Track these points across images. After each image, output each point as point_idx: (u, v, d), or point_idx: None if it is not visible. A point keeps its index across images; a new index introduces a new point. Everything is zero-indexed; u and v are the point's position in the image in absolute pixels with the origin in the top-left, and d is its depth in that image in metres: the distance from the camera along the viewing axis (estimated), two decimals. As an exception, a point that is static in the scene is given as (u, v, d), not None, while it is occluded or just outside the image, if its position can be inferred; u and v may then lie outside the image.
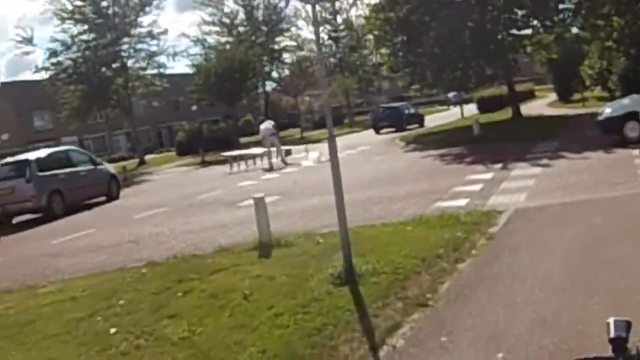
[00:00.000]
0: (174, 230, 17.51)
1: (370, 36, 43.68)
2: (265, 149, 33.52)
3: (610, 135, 22.57)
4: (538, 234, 10.93)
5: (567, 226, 11.21)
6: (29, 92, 67.16)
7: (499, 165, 21.04)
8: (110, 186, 29.81)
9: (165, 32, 60.20)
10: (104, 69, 54.00)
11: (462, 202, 15.41)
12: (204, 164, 47.20)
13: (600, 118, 23.19)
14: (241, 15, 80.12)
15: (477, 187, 17.37)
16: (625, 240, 9.50)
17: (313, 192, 20.60)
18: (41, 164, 25.62)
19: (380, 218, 14.44)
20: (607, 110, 23.07)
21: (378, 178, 22.46)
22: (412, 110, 57.23)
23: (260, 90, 79.42)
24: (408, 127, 51.29)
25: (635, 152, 19.55)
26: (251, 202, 17.24)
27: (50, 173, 25.49)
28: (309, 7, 71.90)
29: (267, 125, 34.04)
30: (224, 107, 67.29)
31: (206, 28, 78.90)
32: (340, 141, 45.10)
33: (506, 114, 44.18)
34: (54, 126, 70.82)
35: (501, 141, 29.22)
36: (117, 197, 29.90)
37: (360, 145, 40.15)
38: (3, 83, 76.32)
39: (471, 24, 36.90)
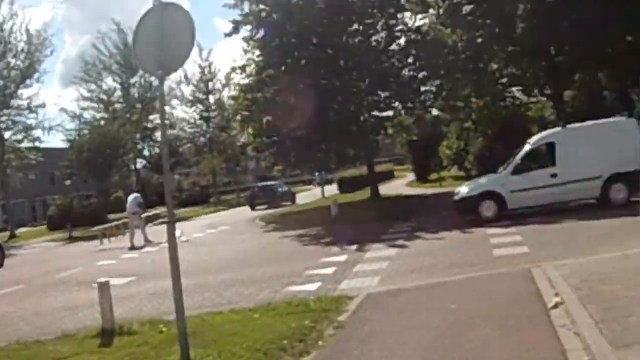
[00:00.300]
0: (25, 311, 16.23)
1: (238, 116, 42.85)
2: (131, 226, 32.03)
3: (466, 214, 22.75)
4: (390, 322, 10.21)
5: (421, 312, 10.57)
6: None
7: (354, 247, 20.56)
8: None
9: (43, 105, 59.92)
10: None
11: (313, 286, 14.71)
12: (71, 239, 45.88)
13: (456, 198, 23.39)
14: (118, 92, 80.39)
15: (330, 270, 16.68)
16: (481, 327, 9.01)
17: (168, 274, 19.28)
18: None
19: (231, 303, 13.69)
20: (463, 190, 23.31)
21: (235, 259, 21.63)
22: (286, 188, 58.89)
23: (132, 167, 79.38)
24: (282, 203, 52.73)
25: (491, 231, 19.59)
26: (113, 282, 16.97)
27: None
28: (183, 87, 76.38)
29: (131, 200, 32.31)
30: (98, 183, 66.87)
31: (84, 104, 78.70)
32: (204, 220, 44.45)
33: (365, 194, 44.29)
34: None
35: (359, 222, 29.01)
36: (1, 265, 29.55)
37: (222, 225, 39.39)
38: None
39: (335, 105, 36.78)
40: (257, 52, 37.98)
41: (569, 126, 23.11)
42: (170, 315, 12.01)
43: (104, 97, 78.13)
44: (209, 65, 77.76)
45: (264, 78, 37.01)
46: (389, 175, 73.56)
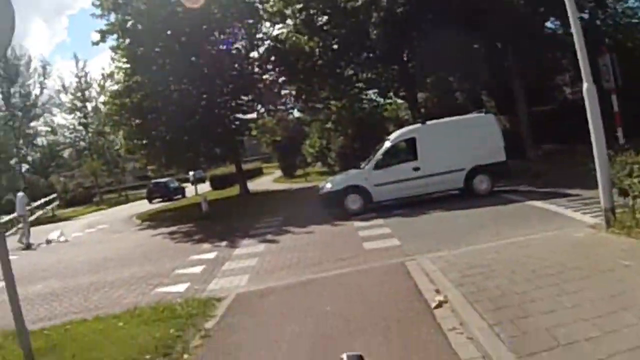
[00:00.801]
0: None
1: (110, 122, 40.67)
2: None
3: (332, 208, 21.16)
4: (260, 331, 8.34)
5: (293, 317, 8.74)
6: None
7: (224, 243, 18.58)
8: None
9: None
10: None
11: (182, 287, 12.77)
12: None
13: (321, 192, 21.80)
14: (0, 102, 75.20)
15: (199, 269, 14.65)
16: (361, 334, 7.37)
17: (45, 275, 17.45)
18: None
19: (98, 309, 11.74)
20: (328, 185, 21.74)
21: (108, 259, 19.18)
22: (177, 184, 58.83)
23: (18, 171, 74.84)
24: (174, 197, 53.67)
25: (358, 224, 18.09)
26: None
27: None
28: (62, 96, 74.89)
29: (19, 200, 29.54)
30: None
31: None
32: (85, 219, 40.79)
33: (236, 190, 42.38)
34: None
35: (229, 217, 27.03)
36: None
37: (101, 224, 36.26)
38: None
39: (201, 109, 35.32)
40: (124, 60, 35.92)
41: (428, 122, 22.03)
42: (37, 324, 10.67)
43: None
44: (85, 75, 75.22)
45: (132, 84, 35.11)
46: (258, 172, 72.87)
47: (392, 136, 22.75)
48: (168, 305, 10.40)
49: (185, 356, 7.58)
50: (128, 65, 35.55)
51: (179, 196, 55.41)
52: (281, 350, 7.21)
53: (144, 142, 37.39)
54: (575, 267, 8.76)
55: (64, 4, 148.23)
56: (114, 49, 36.45)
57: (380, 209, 20.26)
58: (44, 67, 79.01)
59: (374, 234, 15.89)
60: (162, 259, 17.52)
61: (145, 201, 56.11)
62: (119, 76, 36.76)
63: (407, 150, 21.83)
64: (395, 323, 7.62)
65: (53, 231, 30.72)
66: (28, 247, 27.22)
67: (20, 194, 29.97)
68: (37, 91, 76.46)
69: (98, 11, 34.27)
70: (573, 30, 11.54)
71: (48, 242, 28.32)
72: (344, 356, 2.37)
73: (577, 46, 11.50)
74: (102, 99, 45.79)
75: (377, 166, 20.85)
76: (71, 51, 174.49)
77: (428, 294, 8.82)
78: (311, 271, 12.35)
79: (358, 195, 20.56)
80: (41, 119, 78.66)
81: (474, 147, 20.42)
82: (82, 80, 75.29)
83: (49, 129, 79.20)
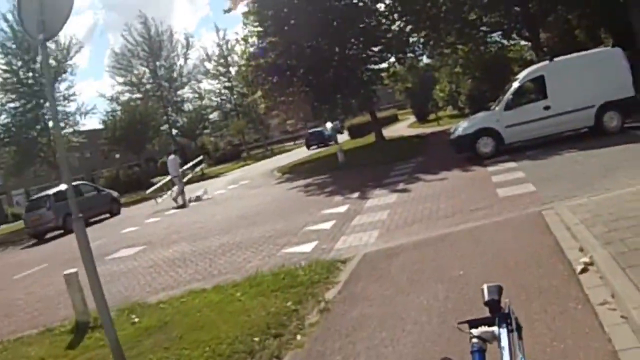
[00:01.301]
0: (33, 296, 13.51)
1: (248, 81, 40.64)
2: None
3: (464, 152, 19.58)
4: (384, 302, 7.02)
5: (422, 284, 7.40)
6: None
7: (356, 195, 17.29)
8: (112, 205, 34.20)
9: (74, 94, 57.65)
10: (30, 131, 50.95)
11: (309, 246, 11.60)
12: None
13: (452, 137, 20.18)
14: (147, 75, 78.09)
15: (329, 225, 13.43)
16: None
17: (178, 239, 16.80)
18: (57, 196, 29.25)
19: (221, 274, 10.91)
20: (459, 129, 19.98)
21: (241, 217, 18.34)
22: (331, 132, 56.33)
23: (170, 135, 77.50)
24: (329, 143, 53.36)
25: (491, 168, 16.39)
26: (122, 253, 16.46)
27: (64, 202, 26.64)
28: (207, 64, 77.69)
29: (170, 162, 29.40)
30: (146, 152, 66.51)
31: (119, 88, 76.90)
32: (231, 175, 41.09)
33: (372, 138, 41.08)
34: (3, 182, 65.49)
35: (363, 166, 25.70)
36: (119, 212, 33.74)
37: (243, 179, 35.96)
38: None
39: (334, 62, 34.40)
40: (256, 23, 35.53)
41: (556, 59, 19.48)
42: (155, 296, 10.05)
43: (136, 80, 76.18)
44: (226, 42, 76.85)
45: (266, 45, 34.70)
46: (393, 119, 71.73)
47: (521, 75, 20.44)
48: (290, 271, 9.35)
49: (299, 337, 6.46)
50: (260, 29, 35.10)
51: (332, 142, 53.90)
52: (405, 331, 5.92)
53: (282, 99, 36.86)
54: None
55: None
56: (245, 14, 36.05)
57: (512, 150, 18.43)
58: (186, 40, 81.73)
59: (508, 178, 14.09)
60: (294, 214, 16.42)
61: (286, 154, 56.46)
62: (253, 39, 36.61)
63: (537, 89, 19.77)
64: (537, 294, 6.11)
65: (199, 190, 30.74)
66: (182, 206, 27.21)
67: (171, 156, 29.82)
68: (181, 62, 78.50)
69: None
70: None
71: (197, 198, 28.25)
72: (484, 287, 2.38)
73: None
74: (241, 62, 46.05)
75: (508, 107, 18.89)
76: (213, 23, 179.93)
77: (571, 253, 7.22)
78: (443, 224, 10.90)
79: (490, 138, 18.80)
80: (187, 87, 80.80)
81: (602, 83, 18.08)
82: (224, 47, 77.27)
83: (196, 95, 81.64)
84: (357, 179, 21.19)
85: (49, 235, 29.51)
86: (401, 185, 17.13)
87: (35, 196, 34.84)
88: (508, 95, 19.16)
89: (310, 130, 62.37)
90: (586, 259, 6.81)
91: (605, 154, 14.70)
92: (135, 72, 76.84)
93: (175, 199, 28.05)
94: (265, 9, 33.35)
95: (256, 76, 36.32)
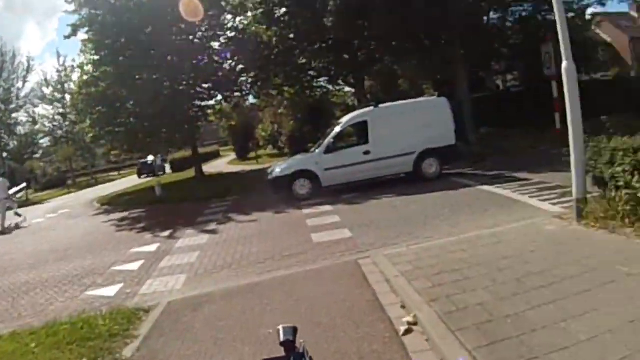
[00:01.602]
0: None
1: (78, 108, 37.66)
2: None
3: (281, 193, 18.52)
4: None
5: (228, 345, 6.24)
6: None
7: (168, 233, 15.81)
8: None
9: None
10: None
11: (113, 290, 10.16)
12: None
13: (270, 177, 19.02)
14: None
15: (137, 265, 11.93)
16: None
17: None
18: None
19: (21, 317, 9.32)
20: (277, 170, 18.96)
21: (51, 250, 16.14)
22: (160, 163, 57.97)
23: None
24: (158, 173, 52.44)
25: (307, 211, 15.58)
26: None
27: None
28: (45, 88, 71.58)
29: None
30: None
31: None
32: (53, 202, 37.13)
33: (192, 173, 39.33)
34: None
35: (180, 202, 24.13)
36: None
37: (63, 208, 32.61)
38: None
39: (163, 97, 32.36)
40: (93, 52, 32.87)
41: (381, 105, 19.20)
42: None
43: None
44: (65, 69, 70.85)
45: (99, 74, 32.23)
46: (215, 155, 70.46)
47: (344, 120, 19.98)
48: (89, 320, 7.93)
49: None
50: (97, 57, 32.56)
51: (162, 173, 53.91)
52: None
53: (108, 129, 34.36)
54: (568, 275, 6.47)
55: (55, 7, 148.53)
56: (84, 41, 33.30)
57: (329, 193, 17.68)
58: (28, 62, 74.99)
59: (323, 223, 13.25)
60: (105, 251, 14.59)
61: (109, 184, 54.40)
62: (88, 67, 33.76)
63: (359, 134, 19.48)
64: (357, 360, 5.17)
65: (18, 217, 27.54)
66: (2, 232, 24.01)
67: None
68: (20, 84, 71.94)
69: (71, 7, 31.29)
70: (555, 9, 9.21)
71: (16, 226, 25.11)
72: (280, 327, 2.44)
73: (558, 25, 9.18)
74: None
75: (328, 150, 18.18)
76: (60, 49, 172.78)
77: (393, 310, 6.47)
78: (254, 271, 9.82)
79: (307, 180, 17.99)
80: (22, 110, 73.83)
81: (425, 130, 18.05)
82: (62, 73, 71.83)
83: (30, 119, 74.93)
84: (172, 215, 19.72)
85: None
86: (214, 226, 15.78)
87: None
88: (329, 138, 18.53)
89: (142, 161, 60.25)
90: (410, 319, 6.02)
91: (425, 201, 14.43)
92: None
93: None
94: (104, 37, 31.19)
95: (87, 105, 33.77)
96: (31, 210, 33.93)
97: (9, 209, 25.77)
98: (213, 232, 14.84)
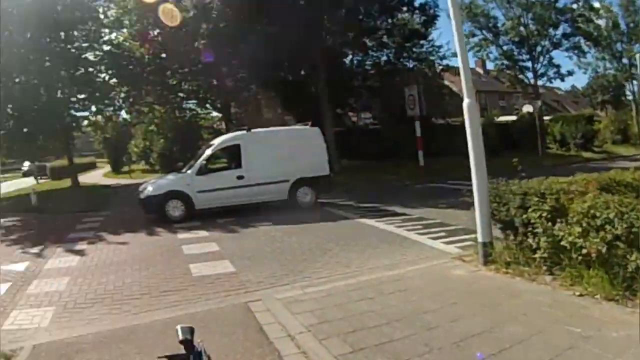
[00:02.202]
0: None
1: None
2: None
3: (153, 213, 15.98)
4: None
5: None
6: None
7: (37, 249, 12.85)
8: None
9: None
10: None
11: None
12: None
13: (142, 196, 16.29)
14: None
15: (3, 289, 9.12)
16: None
17: None
18: None
19: None
20: (149, 189, 16.27)
21: None
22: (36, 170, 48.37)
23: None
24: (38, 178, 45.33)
25: (182, 235, 13.36)
26: None
27: None
28: None
29: None
30: None
31: None
32: None
33: (69, 182, 34.60)
34: None
35: (55, 212, 20.59)
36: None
37: None
38: None
39: (40, 103, 28.76)
40: None
41: (254, 130, 17.17)
42: None
43: None
44: None
45: None
46: (92, 166, 63.71)
47: (216, 141, 17.55)
48: None
49: None
50: None
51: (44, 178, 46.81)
52: None
53: None
54: (516, 340, 4.97)
55: None
56: None
57: (203, 216, 15.43)
58: None
59: (201, 251, 10.98)
60: None
61: None
62: None
63: (231, 158, 17.39)
64: None
65: None
66: None
67: None
68: None
69: None
70: (458, 50, 8.02)
71: None
72: (178, 327, 2.41)
73: (460, 63, 8.05)
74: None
75: (200, 172, 15.89)
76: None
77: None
78: (130, 309, 7.55)
79: (180, 202, 15.61)
80: None
81: (299, 159, 16.29)
82: None
83: None
84: (44, 228, 16.60)
85: None
86: (85, 245, 12.96)
87: None
88: (201, 160, 16.16)
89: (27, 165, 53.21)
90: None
91: (307, 232, 12.55)
92: None
93: None
94: None
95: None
96: None
97: None
98: (84, 253, 12.08)
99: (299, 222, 13.77)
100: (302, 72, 30.45)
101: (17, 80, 28.20)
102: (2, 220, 19.29)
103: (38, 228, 16.87)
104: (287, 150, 16.19)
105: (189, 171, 16.31)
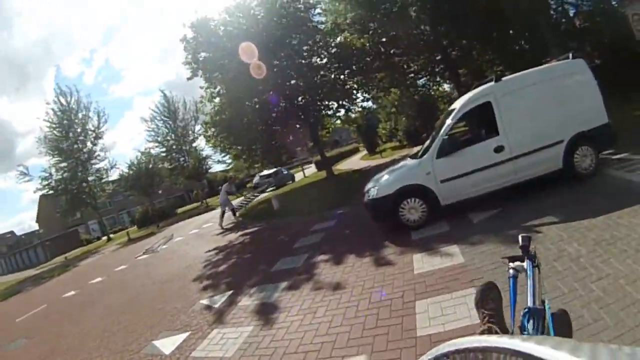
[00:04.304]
0: None
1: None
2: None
3: (383, 220, 9.41)
4: None
5: None
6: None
7: (228, 294, 7.41)
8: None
9: (105, 151, 54.89)
10: (74, 182, 45.07)
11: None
12: (131, 241, 33.95)
13: (367, 199, 9.61)
14: (168, 132, 61.25)
15: (182, 337, 4.70)
16: None
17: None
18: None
19: None
20: (374, 190, 9.44)
21: (151, 282, 9.96)
22: (286, 172, 45.52)
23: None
24: (286, 183, 41.37)
25: (418, 256, 6.68)
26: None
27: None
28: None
29: (223, 188, 21.17)
30: (189, 185, 62.82)
31: (149, 145, 64.71)
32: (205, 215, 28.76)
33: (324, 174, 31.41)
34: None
35: (291, 215, 15.82)
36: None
37: (209, 222, 24.32)
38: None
39: (279, 114, 26.81)
40: (216, 101, 26.99)
41: (504, 78, 9.31)
42: None
43: (161, 139, 58.16)
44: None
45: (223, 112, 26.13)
46: (355, 151, 61.93)
47: (457, 105, 9.63)
48: None
49: None
50: (214, 90, 26.58)
51: (290, 182, 42.84)
52: None
53: (238, 147, 27.77)
54: None
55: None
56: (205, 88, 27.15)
57: (450, 215, 8.58)
58: (195, 105, 59.62)
59: (449, 303, 4.24)
60: (174, 298, 7.70)
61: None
62: (211, 110, 27.58)
63: (480, 124, 9.62)
64: None
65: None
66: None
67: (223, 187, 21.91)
68: (193, 123, 60.15)
69: (189, 73, 24.94)
70: None
71: (151, 250, 19.44)
72: (520, 237, 2.22)
73: None
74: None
75: (443, 152, 8.77)
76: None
77: None
78: None
79: (418, 199, 8.77)
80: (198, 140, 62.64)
81: (569, 107, 8.38)
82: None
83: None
84: (262, 245, 11.82)
85: None
86: (280, 291, 7.03)
87: None
88: (441, 136, 8.96)
89: (265, 173, 47.74)
90: None
91: (625, 226, 5.01)
92: (160, 132, 60.78)
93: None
94: (224, 92, 25.46)
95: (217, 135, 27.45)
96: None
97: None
98: (271, 309, 6.17)
99: (600, 210, 6.02)
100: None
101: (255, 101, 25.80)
102: (243, 231, 15.18)
103: (257, 244, 12.14)
104: (552, 98, 8.44)
105: (425, 155, 9.16)
